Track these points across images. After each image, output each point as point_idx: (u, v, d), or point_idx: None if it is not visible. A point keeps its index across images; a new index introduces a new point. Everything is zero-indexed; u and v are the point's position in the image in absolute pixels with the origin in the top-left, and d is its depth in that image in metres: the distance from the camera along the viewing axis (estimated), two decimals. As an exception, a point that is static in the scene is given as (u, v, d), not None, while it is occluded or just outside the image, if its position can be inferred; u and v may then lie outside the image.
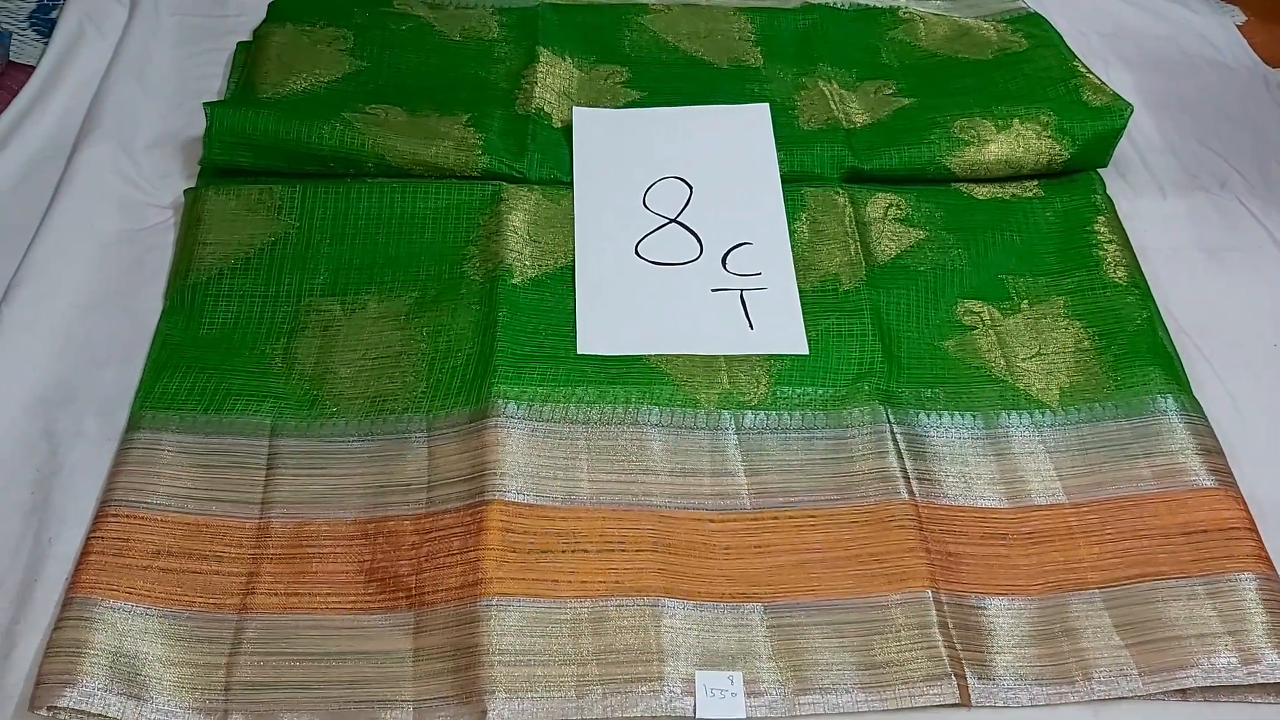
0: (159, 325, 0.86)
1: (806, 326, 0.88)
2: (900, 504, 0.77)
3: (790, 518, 0.77)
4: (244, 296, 0.88)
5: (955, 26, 1.16)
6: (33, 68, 1.07)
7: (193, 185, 0.97)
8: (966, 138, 0.99)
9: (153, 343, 0.85)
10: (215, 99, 1.04)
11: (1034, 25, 1.15)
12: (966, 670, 0.70)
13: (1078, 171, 1.01)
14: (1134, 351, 0.87)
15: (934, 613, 0.72)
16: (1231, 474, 0.80)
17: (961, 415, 0.83)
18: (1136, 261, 0.95)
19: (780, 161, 0.99)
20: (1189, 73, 1.18)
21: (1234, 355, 0.90)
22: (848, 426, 0.82)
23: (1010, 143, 0.99)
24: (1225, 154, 1.09)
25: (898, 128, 1.03)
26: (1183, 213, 1.03)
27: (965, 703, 0.69)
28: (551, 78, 1.06)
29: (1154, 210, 1.02)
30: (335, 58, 1.06)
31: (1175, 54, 1.20)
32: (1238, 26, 1.25)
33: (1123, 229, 0.97)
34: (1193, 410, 0.83)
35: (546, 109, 1.03)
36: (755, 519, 0.77)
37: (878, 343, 0.87)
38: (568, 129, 1.02)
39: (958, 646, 0.71)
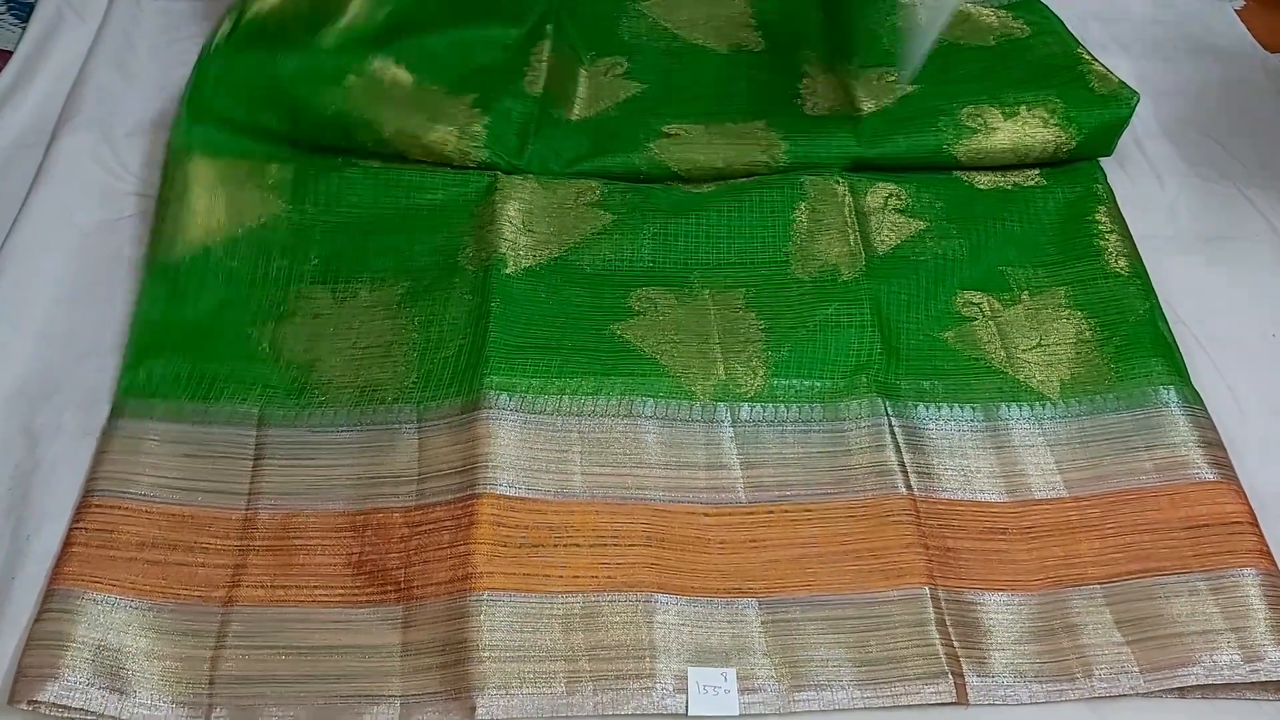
0: (138, 304, 0.84)
1: (805, 318, 0.86)
2: (898, 498, 0.76)
3: (786, 512, 0.76)
4: (230, 278, 0.86)
5: (955, 13, 1.14)
6: (9, 53, 1.04)
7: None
8: (974, 125, 0.97)
9: (132, 324, 0.83)
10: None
11: (1033, 11, 1.13)
12: (964, 667, 0.69)
13: (1079, 160, 1.00)
14: (1135, 343, 0.86)
15: (931, 609, 0.71)
16: (1232, 467, 0.79)
17: (961, 408, 0.82)
18: (1138, 252, 0.93)
19: (785, 151, 0.97)
20: (1188, 59, 1.17)
21: (1232, 346, 0.89)
22: (845, 419, 0.80)
23: (1017, 130, 0.97)
24: (1224, 142, 1.07)
25: (904, 115, 1.00)
26: (1181, 201, 1.01)
27: (962, 701, 0.68)
28: (557, 66, 1.03)
29: (1151, 198, 1.01)
30: None
31: (1174, 40, 1.19)
32: (1236, 11, 1.24)
33: (1123, 219, 0.96)
34: (1194, 402, 0.82)
35: (552, 99, 1.00)
36: (750, 513, 0.76)
37: (876, 334, 0.85)
38: (570, 122, 1.00)
39: (955, 643, 0.70)
